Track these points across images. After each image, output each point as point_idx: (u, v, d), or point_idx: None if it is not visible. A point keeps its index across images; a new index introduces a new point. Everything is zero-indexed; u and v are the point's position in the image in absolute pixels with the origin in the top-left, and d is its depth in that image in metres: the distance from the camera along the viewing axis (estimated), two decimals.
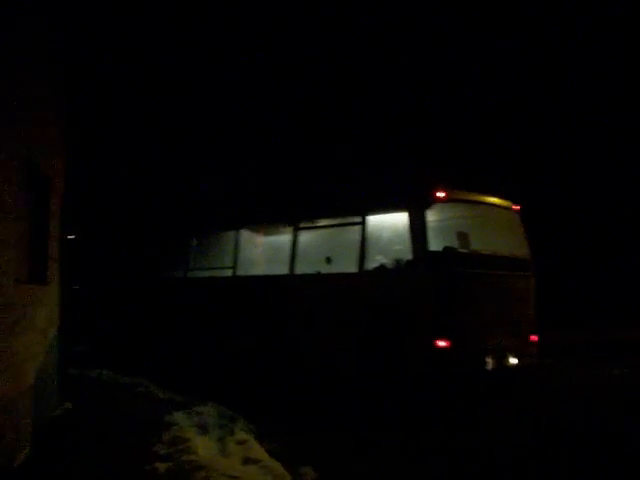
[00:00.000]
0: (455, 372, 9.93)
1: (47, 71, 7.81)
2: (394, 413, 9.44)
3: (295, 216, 12.29)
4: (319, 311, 11.40)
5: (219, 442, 7.09)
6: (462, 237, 10.34)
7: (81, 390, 9.35)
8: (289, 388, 11.33)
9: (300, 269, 11.87)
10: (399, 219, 10.45)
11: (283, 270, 12.10)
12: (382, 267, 10.65)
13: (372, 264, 10.84)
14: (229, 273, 13.24)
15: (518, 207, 11.41)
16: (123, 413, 8.20)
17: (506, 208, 11.27)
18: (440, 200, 10.05)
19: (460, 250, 10.20)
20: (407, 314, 10.00)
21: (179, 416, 7.99)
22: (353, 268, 10.96)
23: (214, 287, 13.43)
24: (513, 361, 10.70)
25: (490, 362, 10.28)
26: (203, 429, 7.54)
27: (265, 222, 13.31)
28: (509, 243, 11.15)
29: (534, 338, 11.26)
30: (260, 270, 13.14)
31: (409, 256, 10.15)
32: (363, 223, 10.95)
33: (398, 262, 10.41)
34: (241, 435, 7.32)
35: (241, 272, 13.11)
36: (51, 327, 7.83)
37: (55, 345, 8.17)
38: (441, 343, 9.68)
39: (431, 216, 10.10)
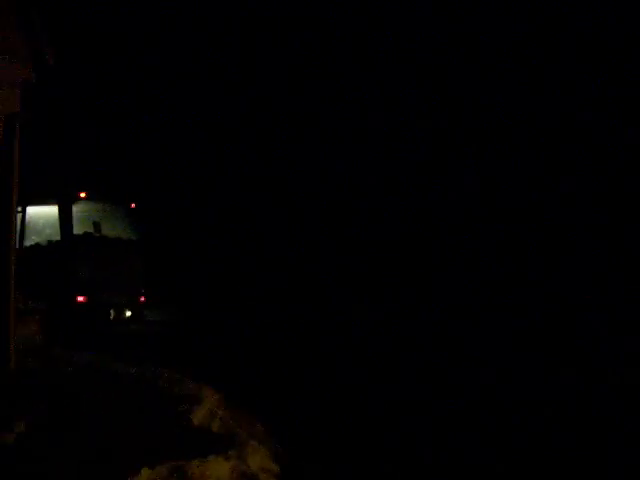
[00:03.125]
0: (90, 318, 14.45)
1: None
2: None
3: None
4: None
5: None
6: (96, 225, 14.90)
7: (54, 390, 6.51)
8: None
9: None
10: (51, 211, 14.63)
11: None
12: (37, 245, 14.70)
13: (29, 243, 14.80)
14: None
15: (134, 205, 16.26)
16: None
17: (125, 206, 16.07)
18: (82, 198, 14.56)
19: (94, 234, 14.77)
20: (57, 278, 14.27)
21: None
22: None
23: None
24: (128, 313, 15.60)
25: (112, 313, 15.05)
26: None
27: None
28: (127, 230, 15.97)
29: (142, 298, 16.25)
30: None
31: (58, 238, 14.43)
32: (23, 212, 14.83)
33: (50, 242, 14.59)
34: None
35: None
36: None
37: None
38: (80, 298, 14.20)
39: (76, 209, 14.54)
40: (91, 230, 14.79)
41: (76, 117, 16.31)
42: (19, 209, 14.80)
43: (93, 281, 14.50)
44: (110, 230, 15.40)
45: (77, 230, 14.62)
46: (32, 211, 14.92)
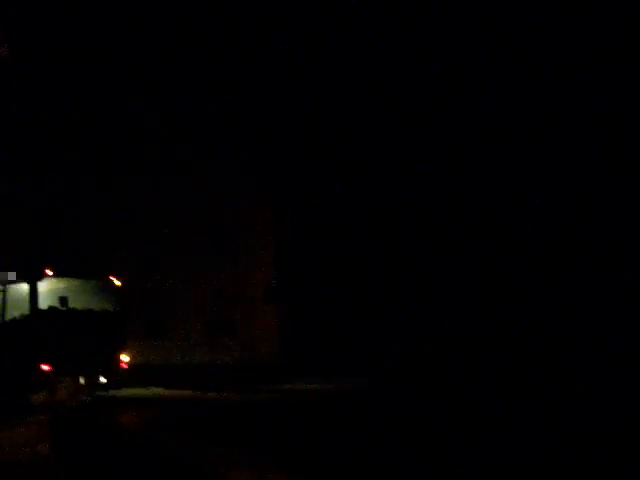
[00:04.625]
0: (56, 383, 15.77)
1: None
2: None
3: None
4: None
5: None
6: (62, 300, 16.31)
7: None
8: None
9: None
10: (25, 287, 16.28)
11: None
12: (13, 319, 16.36)
13: (10, 316, 16.51)
14: None
15: (112, 278, 17.55)
16: None
17: (105, 280, 17.41)
18: (49, 276, 16.07)
19: (60, 308, 16.18)
20: (25, 348, 15.79)
21: None
22: None
23: None
24: (103, 380, 16.80)
25: (82, 379, 16.30)
26: None
27: None
28: (105, 303, 17.26)
29: (124, 365, 17.38)
30: None
31: (27, 312, 16.01)
32: (4, 291, 16.62)
33: (22, 315, 16.19)
34: None
35: None
36: None
37: None
38: (44, 367, 15.57)
39: (43, 287, 16.08)
40: (56, 304, 16.20)
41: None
42: (1, 288, 16.70)
43: (58, 350, 15.84)
44: (82, 303, 16.78)
45: (48, 304, 16.13)
46: (13, 288, 16.68)
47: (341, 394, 16.94)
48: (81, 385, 16.36)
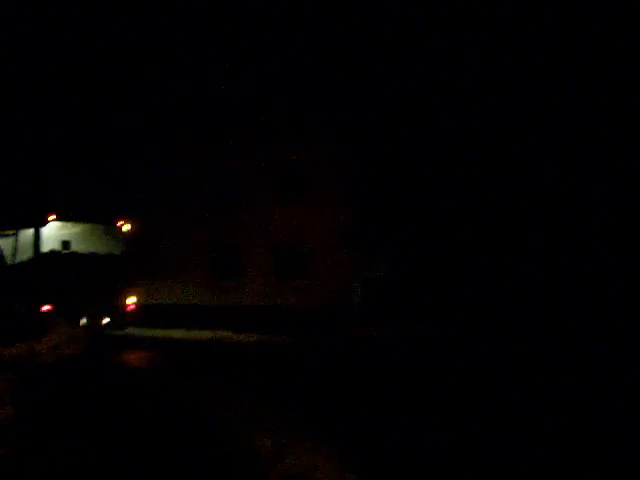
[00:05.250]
0: (58, 323, 16.57)
1: None
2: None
3: None
4: None
5: None
6: (65, 243, 17.01)
7: None
8: None
9: None
10: (31, 232, 17.10)
11: None
12: (21, 262, 17.24)
13: (19, 260, 17.41)
14: None
15: (122, 223, 18.14)
16: None
17: (109, 224, 18.01)
18: (53, 220, 16.80)
19: (62, 251, 16.90)
20: (28, 290, 16.64)
21: None
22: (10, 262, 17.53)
23: None
24: (106, 320, 17.50)
25: (84, 320, 17.03)
26: None
27: None
28: (110, 245, 17.89)
29: (131, 307, 18.04)
30: None
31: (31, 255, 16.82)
32: (16, 235, 17.51)
33: (26, 259, 17.02)
34: None
35: None
36: None
37: None
38: (45, 307, 16.36)
39: (49, 231, 16.83)
40: (58, 248, 16.93)
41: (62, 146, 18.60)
42: (13, 232, 17.60)
43: (59, 292, 16.59)
44: (87, 247, 17.47)
45: (51, 248, 16.91)
46: (22, 233, 17.55)
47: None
48: (75, 335, 16.88)
